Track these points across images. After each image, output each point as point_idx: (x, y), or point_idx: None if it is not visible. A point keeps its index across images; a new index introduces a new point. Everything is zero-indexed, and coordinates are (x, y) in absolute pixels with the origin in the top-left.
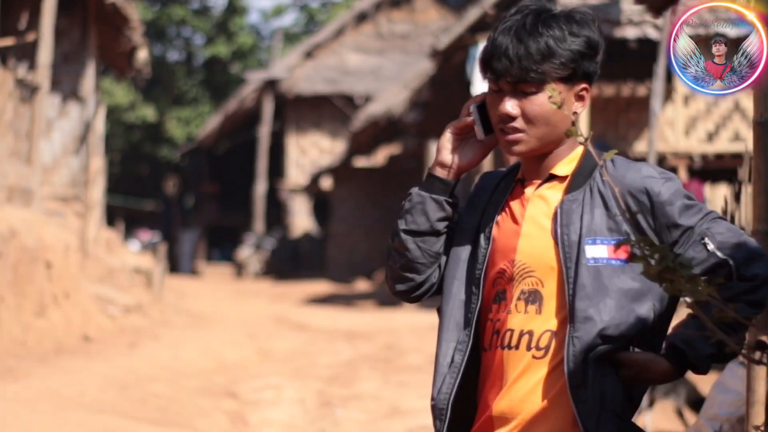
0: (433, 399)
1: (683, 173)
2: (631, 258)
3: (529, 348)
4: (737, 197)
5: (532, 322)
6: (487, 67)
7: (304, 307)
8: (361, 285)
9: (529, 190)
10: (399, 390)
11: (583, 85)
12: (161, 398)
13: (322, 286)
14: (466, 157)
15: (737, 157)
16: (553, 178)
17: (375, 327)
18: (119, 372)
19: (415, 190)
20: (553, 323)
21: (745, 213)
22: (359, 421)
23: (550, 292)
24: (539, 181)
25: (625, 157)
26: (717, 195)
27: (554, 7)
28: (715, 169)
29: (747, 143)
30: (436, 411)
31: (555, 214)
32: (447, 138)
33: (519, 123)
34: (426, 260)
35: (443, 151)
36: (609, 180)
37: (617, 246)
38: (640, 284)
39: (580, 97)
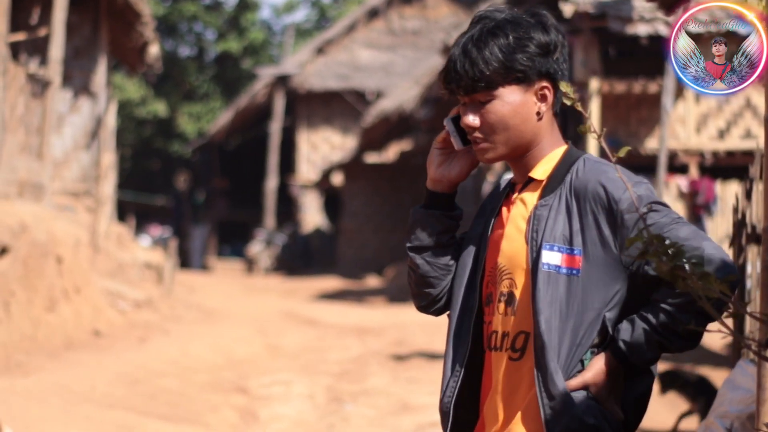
0: (439, 403)
1: (694, 170)
2: (642, 255)
3: (506, 349)
4: (748, 194)
5: (509, 323)
6: (443, 81)
7: (314, 303)
8: (372, 281)
9: (515, 194)
10: (408, 386)
11: (543, 84)
12: (171, 393)
13: (332, 282)
14: (454, 170)
15: (748, 155)
16: (531, 180)
17: (385, 323)
18: (129, 367)
19: (415, 208)
20: (524, 324)
21: (756, 210)
22: (368, 416)
23: (521, 294)
24: (521, 185)
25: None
26: (728, 192)
27: (504, 14)
28: (726, 166)
29: (758, 140)
30: (442, 415)
31: (529, 218)
32: (433, 153)
33: (480, 132)
34: (437, 273)
35: (431, 166)
36: (622, 175)
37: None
38: (592, 294)
39: (542, 97)
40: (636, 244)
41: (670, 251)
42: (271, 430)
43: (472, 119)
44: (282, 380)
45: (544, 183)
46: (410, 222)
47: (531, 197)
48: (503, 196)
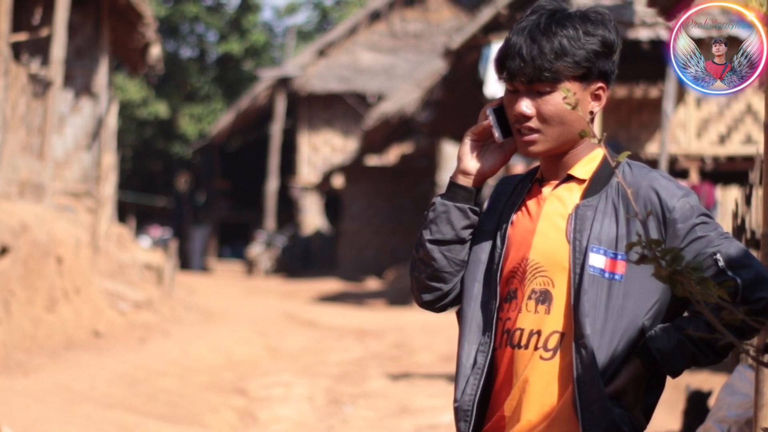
0: (456, 401)
1: (695, 175)
2: (642, 260)
3: (536, 348)
4: (748, 200)
5: (541, 322)
6: (501, 66)
7: (314, 305)
8: (372, 283)
9: (546, 190)
10: (408, 388)
11: (600, 85)
12: (170, 394)
13: (332, 284)
14: (487, 163)
15: (749, 160)
16: (570, 178)
17: (385, 325)
18: (129, 367)
19: (438, 199)
20: (561, 324)
21: (756, 215)
22: (368, 418)
23: (559, 293)
24: (557, 181)
25: (639, 160)
26: (728, 198)
27: (570, 7)
28: (727, 171)
29: (758, 146)
30: (461, 413)
31: (570, 217)
32: (467, 145)
33: (534, 123)
34: (452, 269)
35: (464, 158)
36: (621, 181)
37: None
38: (631, 301)
39: (596, 97)
40: (635, 248)
41: (668, 256)
42: (271, 431)
43: (526, 108)
44: (282, 382)
45: (586, 183)
46: (433, 214)
47: (570, 195)
48: (524, 191)
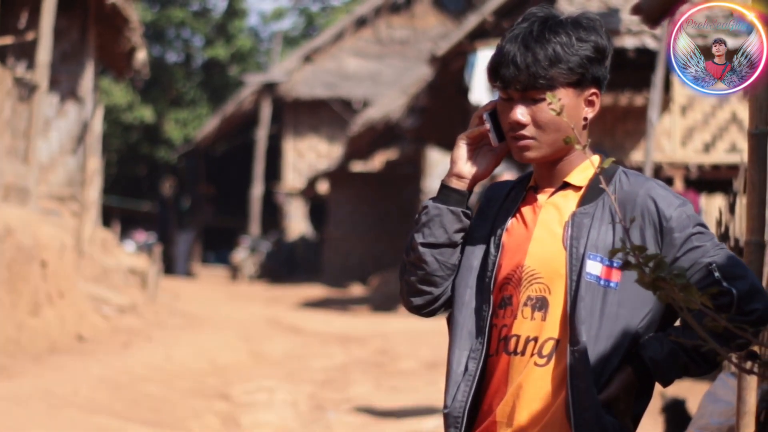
0: (446, 407)
1: (679, 183)
2: (626, 266)
3: (532, 355)
4: (732, 208)
5: (538, 328)
6: (495, 75)
7: (298, 311)
8: (356, 289)
9: (542, 197)
10: (391, 395)
11: (593, 90)
12: (154, 399)
13: (316, 290)
14: (480, 167)
15: (733, 168)
16: (566, 186)
17: (369, 331)
18: (112, 372)
19: (430, 203)
20: (556, 332)
21: (740, 224)
22: (351, 424)
23: (556, 300)
24: (552, 189)
25: (634, 169)
26: (712, 206)
27: (561, 13)
28: (711, 179)
29: (743, 154)
30: (451, 419)
31: (567, 224)
32: (461, 148)
33: (529, 130)
34: (443, 272)
35: (458, 162)
36: (605, 188)
37: (619, 263)
38: (625, 309)
39: (590, 103)
40: (618, 254)
41: (651, 263)
42: None
43: (521, 116)
44: (265, 387)
45: (583, 191)
46: (426, 217)
47: (566, 203)
48: (519, 198)
